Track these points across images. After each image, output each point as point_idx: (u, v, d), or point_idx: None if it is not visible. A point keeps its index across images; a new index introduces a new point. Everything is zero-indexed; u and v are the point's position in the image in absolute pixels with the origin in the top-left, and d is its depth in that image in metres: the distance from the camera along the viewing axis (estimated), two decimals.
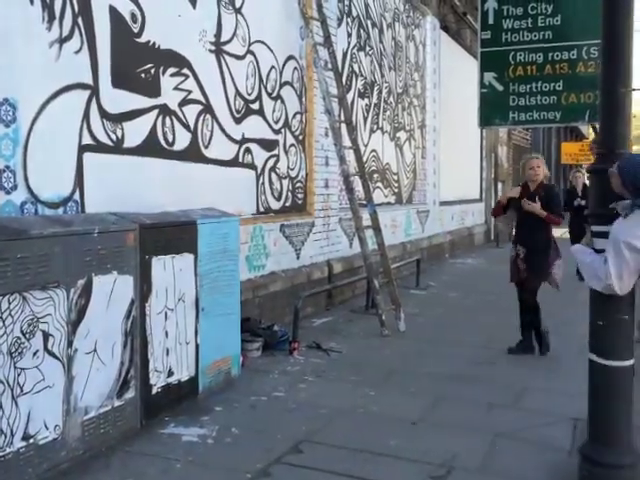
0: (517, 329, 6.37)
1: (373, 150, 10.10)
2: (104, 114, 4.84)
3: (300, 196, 7.87)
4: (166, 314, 4.52)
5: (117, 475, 3.70)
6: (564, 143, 33.79)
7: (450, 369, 5.80)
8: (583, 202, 10.29)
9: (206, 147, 6.05)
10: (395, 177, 11.27)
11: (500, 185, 19.62)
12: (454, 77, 14.64)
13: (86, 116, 4.68)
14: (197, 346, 4.85)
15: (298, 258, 7.77)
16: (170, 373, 4.60)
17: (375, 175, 10.22)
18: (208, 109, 6.07)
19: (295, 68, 7.70)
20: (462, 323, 7.73)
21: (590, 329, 3.57)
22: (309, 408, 4.80)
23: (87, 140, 4.69)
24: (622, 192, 3.26)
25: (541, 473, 3.82)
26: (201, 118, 5.97)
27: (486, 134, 17.60)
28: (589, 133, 47.91)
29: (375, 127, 10.26)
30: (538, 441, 4.24)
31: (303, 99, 7.91)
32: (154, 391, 4.44)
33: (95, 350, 3.91)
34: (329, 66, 7.78)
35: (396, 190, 11.31)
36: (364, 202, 7.78)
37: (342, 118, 7.97)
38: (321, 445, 4.15)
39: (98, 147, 4.79)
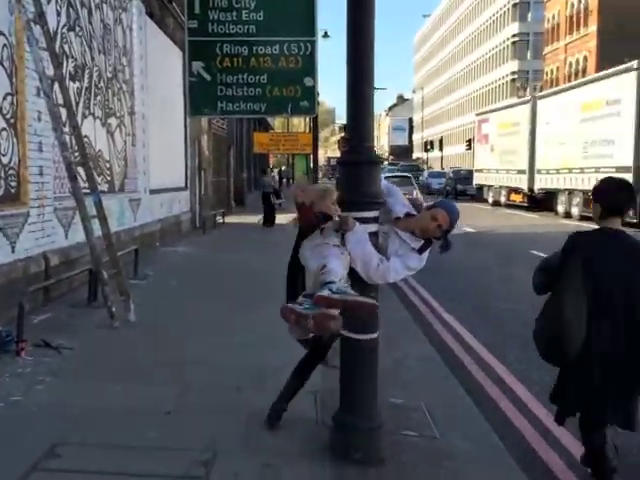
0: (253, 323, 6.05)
1: (85, 136, 9.64)
2: None
3: (14, 184, 7.25)
4: None
5: None
6: (256, 133, 35.34)
7: (189, 356, 5.85)
8: None
9: None
10: (107, 165, 10.88)
11: (203, 173, 19.99)
12: (160, 64, 14.53)
13: None
14: None
15: (13, 252, 7.17)
16: None
17: (89, 163, 9.78)
18: None
19: (5, 45, 7.04)
20: (188, 311, 7.80)
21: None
22: (55, 410, 4.55)
23: None
24: None
25: (297, 444, 4.11)
26: None
27: (190, 123, 17.74)
28: (275, 125, 50.74)
29: (87, 112, 9.80)
30: (289, 415, 4.48)
31: (14, 79, 7.27)
32: None
33: None
34: (43, 45, 7.25)
35: (109, 178, 10.94)
36: (87, 191, 7.44)
37: (60, 102, 7.51)
38: (79, 446, 3.99)
39: None
